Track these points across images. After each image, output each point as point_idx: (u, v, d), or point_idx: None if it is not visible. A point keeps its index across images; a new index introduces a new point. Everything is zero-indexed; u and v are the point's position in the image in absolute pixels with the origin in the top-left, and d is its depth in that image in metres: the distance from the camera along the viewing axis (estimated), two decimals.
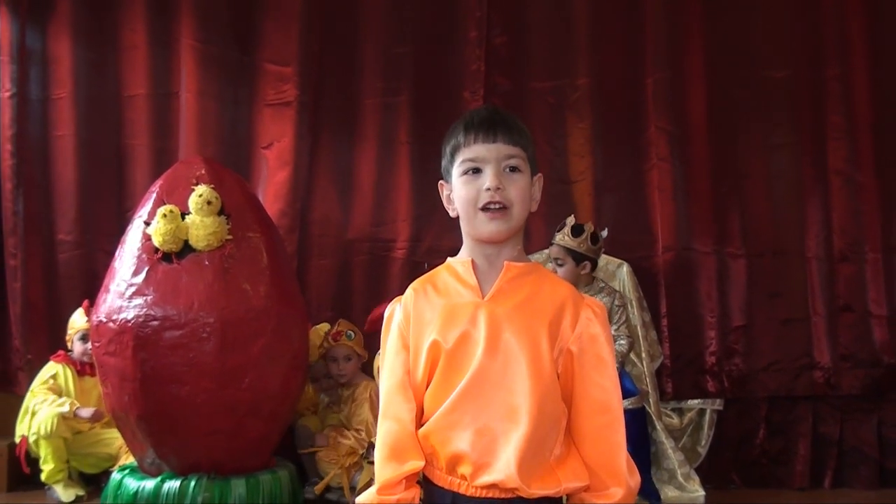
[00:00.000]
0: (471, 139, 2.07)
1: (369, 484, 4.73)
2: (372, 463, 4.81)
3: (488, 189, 2.06)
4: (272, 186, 5.84)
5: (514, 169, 2.05)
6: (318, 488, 5.07)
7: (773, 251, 5.74)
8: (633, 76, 5.88)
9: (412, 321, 2.13)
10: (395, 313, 2.19)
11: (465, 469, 2.01)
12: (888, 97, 5.71)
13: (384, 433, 2.09)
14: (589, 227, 4.99)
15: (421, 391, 2.09)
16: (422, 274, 5.98)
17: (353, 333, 5.32)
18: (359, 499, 2.13)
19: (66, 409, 5.26)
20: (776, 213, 5.79)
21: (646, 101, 5.83)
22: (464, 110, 5.83)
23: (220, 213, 4.66)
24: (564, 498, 2.04)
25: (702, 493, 4.94)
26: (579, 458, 2.02)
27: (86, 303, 5.45)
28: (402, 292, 6.09)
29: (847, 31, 5.74)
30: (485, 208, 2.08)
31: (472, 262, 2.13)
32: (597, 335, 2.02)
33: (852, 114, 5.71)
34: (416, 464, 2.06)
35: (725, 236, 5.74)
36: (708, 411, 5.55)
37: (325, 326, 5.43)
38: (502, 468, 1.96)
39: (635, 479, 1.99)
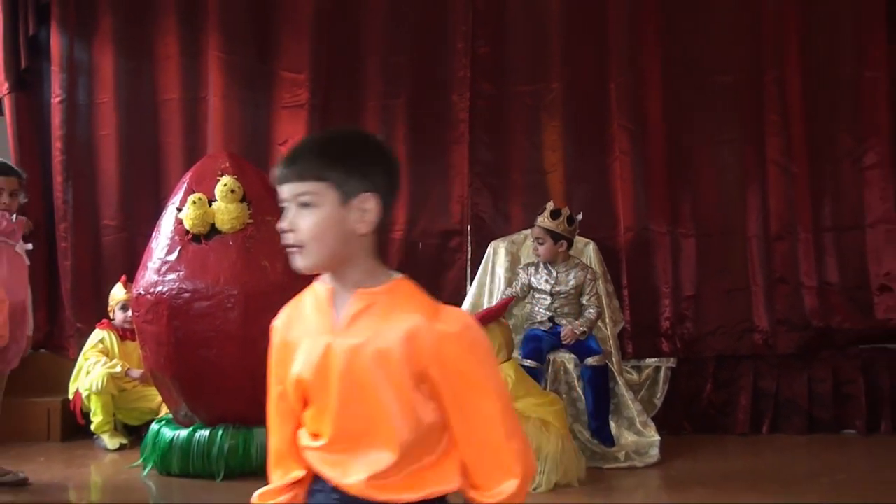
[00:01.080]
0: (276, 181, 1.76)
1: None
2: None
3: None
4: None
5: (305, 205, 1.70)
6: None
7: (719, 231, 5.77)
8: (599, 81, 5.88)
9: (283, 346, 1.85)
10: (278, 326, 1.91)
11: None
12: (817, 99, 5.74)
13: (271, 441, 1.85)
14: (566, 211, 5.05)
15: (299, 410, 1.81)
16: (417, 252, 5.99)
17: None
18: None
19: (118, 369, 5.31)
20: (722, 198, 5.82)
21: (610, 103, 5.84)
22: (452, 111, 5.89)
23: (243, 200, 4.67)
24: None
25: (657, 438, 4.94)
26: (454, 461, 1.71)
27: (123, 277, 5.48)
28: (399, 269, 6.07)
29: (783, 43, 5.76)
30: None
31: (332, 290, 1.79)
32: (453, 352, 1.65)
33: (787, 113, 5.73)
34: (297, 474, 1.80)
35: (678, 219, 5.77)
36: (663, 369, 5.58)
37: None
38: (355, 485, 1.70)
39: (529, 462, 1.70)
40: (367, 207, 1.70)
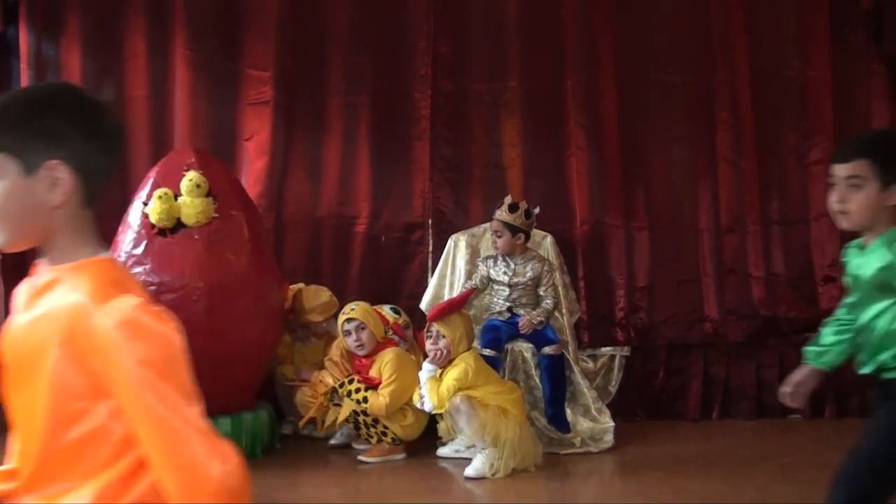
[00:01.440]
0: None
1: (333, 424, 4.83)
2: (337, 405, 4.84)
3: None
4: (252, 173, 5.80)
5: None
6: (302, 423, 5.07)
7: (671, 224, 5.83)
8: (556, 80, 5.91)
9: None
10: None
11: None
12: (765, 98, 5.82)
13: None
14: (523, 205, 5.09)
15: None
16: (380, 245, 6.01)
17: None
18: None
19: None
20: (674, 192, 5.88)
21: (566, 100, 5.87)
22: (414, 109, 5.90)
23: (208, 195, 4.67)
24: None
25: (611, 424, 4.98)
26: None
27: None
28: (363, 261, 6.07)
29: (732, 45, 5.82)
30: None
31: (37, 266, 1.55)
32: (108, 346, 1.38)
33: (736, 111, 5.80)
34: None
35: (632, 212, 5.81)
36: (617, 357, 5.62)
37: (299, 286, 5.39)
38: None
39: (221, 465, 1.40)
40: (56, 176, 1.45)
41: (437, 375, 4.58)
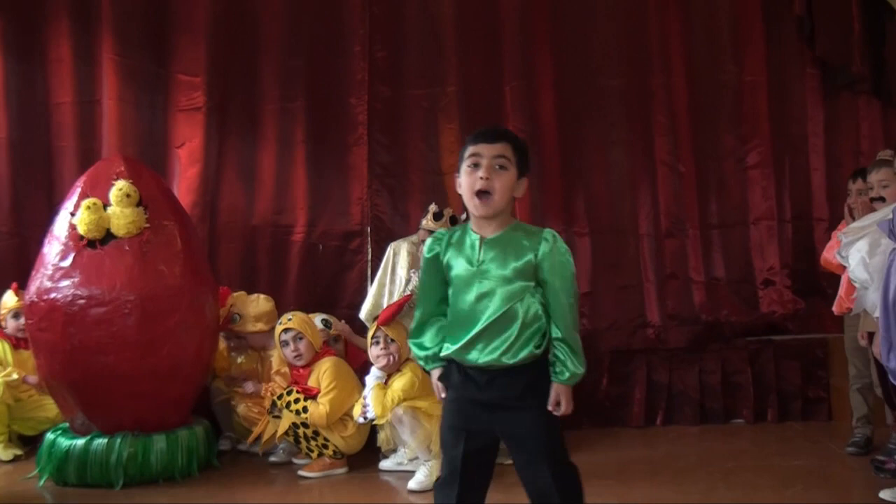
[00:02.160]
0: None
1: (272, 438, 4.70)
2: (277, 417, 4.70)
3: None
4: (185, 181, 5.68)
5: None
6: (251, 439, 4.92)
7: (612, 229, 5.81)
8: (494, 84, 5.89)
9: None
10: None
11: None
12: (701, 102, 5.85)
13: None
14: (448, 212, 4.99)
15: None
16: (318, 254, 5.95)
17: (237, 317, 5.16)
18: None
19: (14, 377, 5.07)
20: (614, 197, 5.86)
21: (504, 105, 5.85)
22: (351, 114, 5.85)
23: (139, 204, 4.54)
24: None
25: None
26: None
27: (14, 284, 5.25)
28: (300, 271, 5.98)
29: (668, 48, 5.86)
30: None
31: None
32: None
33: (674, 115, 5.82)
34: None
35: (573, 217, 5.79)
36: None
37: (241, 294, 5.25)
38: None
39: None
40: None
41: (384, 383, 4.50)
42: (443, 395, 2.88)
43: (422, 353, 2.90)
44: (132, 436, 4.40)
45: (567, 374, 2.71)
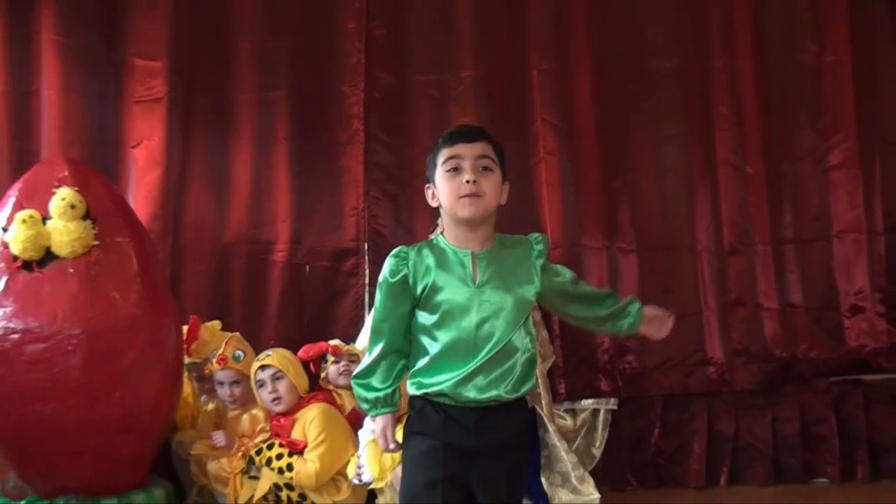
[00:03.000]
0: None
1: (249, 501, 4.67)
2: (253, 478, 4.67)
3: None
4: (142, 188, 5.66)
5: None
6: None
7: (663, 245, 5.78)
8: (518, 68, 5.88)
9: None
10: None
11: None
12: (774, 87, 5.80)
13: None
14: None
15: None
16: (304, 277, 5.99)
17: (241, 353, 5.09)
18: None
19: None
20: (666, 206, 5.83)
21: (531, 94, 5.83)
22: (344, 106, 5.84)
23: (86, 217, 4.49)
24: None
25: (597, 495, 4.94)
26: None
27: None
28: (283, 298, 6.01)
29: (732, 19, 5.83)
30: None
31: None
32: None
33: (739, 104, 5.79)
34: None
35: (615, 231, 5.76)
36: (602, 411, 5.55)
37: (216, 324, 5.22)
38: None
39: None
40: None
41: None
42: (392, 446, 2.95)
43: (369, 396, 2.96)
44: (76, 500, 4.35)
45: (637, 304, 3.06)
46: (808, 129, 5.80)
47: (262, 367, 4.77)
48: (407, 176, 5.86)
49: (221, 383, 5.00)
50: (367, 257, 5.79)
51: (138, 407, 4.47)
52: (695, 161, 5.81)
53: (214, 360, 4.97)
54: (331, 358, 5.05)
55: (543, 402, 5.14)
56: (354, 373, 3.03)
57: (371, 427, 4.49)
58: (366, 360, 2.99)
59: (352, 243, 5.80)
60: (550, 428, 5.08)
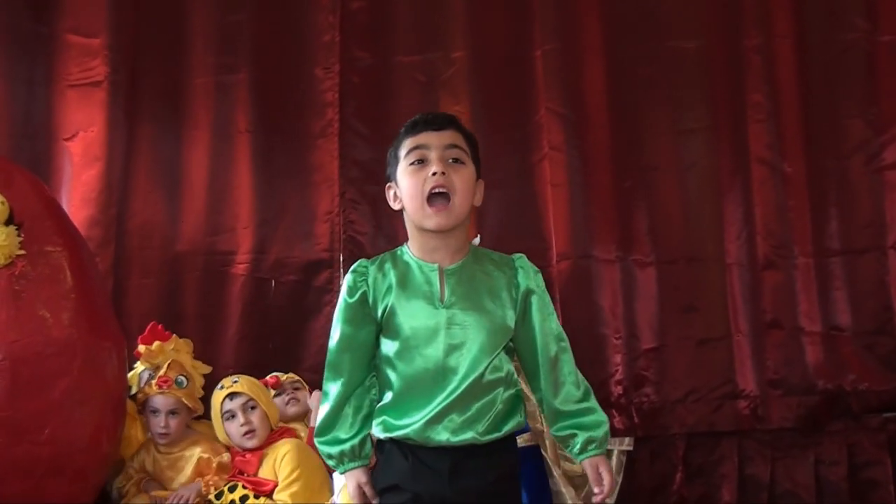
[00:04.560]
0: None
1: None
2: None
3: None
4: (79, 188, 5.67)
5: None
6: None
7: (686, 257, 5.76)
8: (519, 48, 5.90)
9: None
10: None
11: None
12: (818, 71, 5.79)
13: None
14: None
15: None
16: (269, 293, 5.99)
17: (185, 380, 5.04)
18: None
19: None
20: (690, 211, 5.82)
21: (534, 79, 5.84)
22: (316, 91, 5.86)
23: (9, 222, 4.46)
24: None
25: None
26: None
27: None
28: (244, 317, 6.00)
29: None
30: None
31: None
32: None
33: (776, 92, 5.77)
34: None
35: (631, 240, 5.75)
36: (615, 453, 5.50)
37: (179, 341, 5.18)
38: None
39: None
40: None
41: None
42: (374, 502, 2.91)
43: (333, 451, 2.93)
44: None
45: (604, 429, 2.93)
46: (858, 121, 5.78)
47: (231, 396, 4.75)
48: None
49: (157, 411, 4.88)
50: (342, 270, 5.74)
51: (72, 444, 4.42)
52: (723, 158, 5.80)
53: (154, 382, 4.91)
54: (271, 391, 5.08)
55: (547, 442, 5.13)
56: (315, 429, 2.99)
57: None
58: (324, 409, 2.94)
59: (325, 254, 5.81)
60: (555, 472, 5.06)
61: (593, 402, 2.96)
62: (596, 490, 2.89)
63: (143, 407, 4.97)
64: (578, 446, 2.90)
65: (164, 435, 4.88)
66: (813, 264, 5.65)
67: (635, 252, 5.72)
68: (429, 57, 5.92)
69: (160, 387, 4.87)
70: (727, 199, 5.76)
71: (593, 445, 2.90)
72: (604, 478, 2.87)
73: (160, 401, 4.89)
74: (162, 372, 4.92)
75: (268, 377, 5.11)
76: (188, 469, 4.90)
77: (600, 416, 2.93)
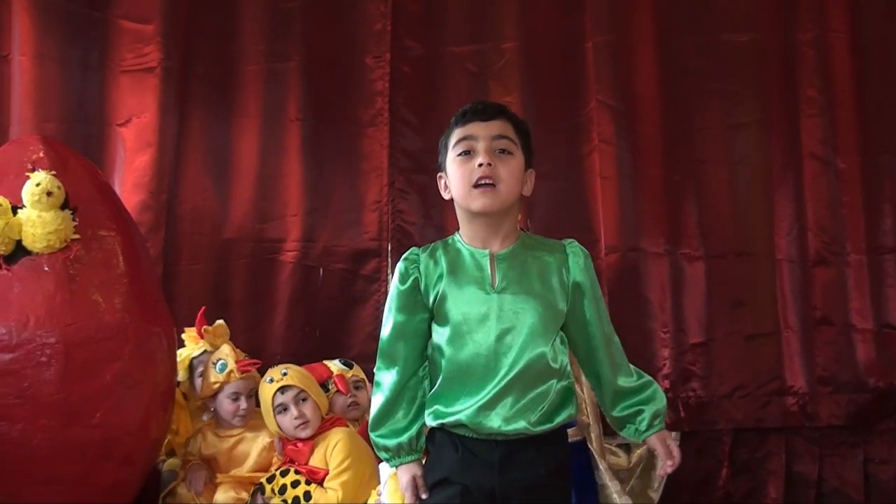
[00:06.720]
0: None
1: None
2: None
3: None
4: (131, 173, 5.70)
5: None
6: None
7: (736, 252, 5.76)
8: (570, 39, 5.90)
9: None
10: None
11: None
12: (874, 64, 5.78)
13: None
14: None
15: None
16: (317, 281, 6.02)
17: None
18: None
19: None
20: (740, 205, 5.82)
21: (585, 70, 5.84)
22: (366, 81, 5.86)
23: (64, 206, 4.48)
24: None
25: None
26: None
27: None
28: (292, 305, 6.03)
29: None
30: None
31: None
32: None
33: (830, 85, 5.77)
34: None
35: (680, 234, 5.75)
36: None
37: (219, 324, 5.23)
38: None
39: None
40: None
41: None
42: (424, 496, 2.93)
43: (391, 443, 2.95)
44: None
45: (665, 402, 2.97)
46: None
47: (283, 389, 4.74)
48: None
49: (237, 395, 4.90)
50: (389, 259, 5.79)
51: (121, 429, 4.44)
52: (775, 152, 5.79)
53: (234, 367, 4.92)
54: (332, 388, 5.08)
55: (593, 435, 5.13)
56: (369, 423, 3.01)
57: None
58: (377, 400, 2.96)
59: (373, 243, 5.83)
60: (601, 465, 5.05)
61: (649, 377, 3.03)
62: (668, 462, 2.93)
63: (215, 394, 4.96)
64: (646, 421, 2.94)
65: (243, 417, 4.92)
66: (866, 261, 5.64)
67: (684, 246, 5.73)
68: (479, 47, 5.93)
69: (242, 371, 4.91)
70: (778, 194, 5.76)
71: (659, 419, 2.94)
72: (673, 450, 2.93)
73: (242, 384, 4.92)
74: (238, 357, 4.96)
75: (333, 367, 5.10)
76: (254, 453, 4.95)
77: (659, 389, 2.98)
